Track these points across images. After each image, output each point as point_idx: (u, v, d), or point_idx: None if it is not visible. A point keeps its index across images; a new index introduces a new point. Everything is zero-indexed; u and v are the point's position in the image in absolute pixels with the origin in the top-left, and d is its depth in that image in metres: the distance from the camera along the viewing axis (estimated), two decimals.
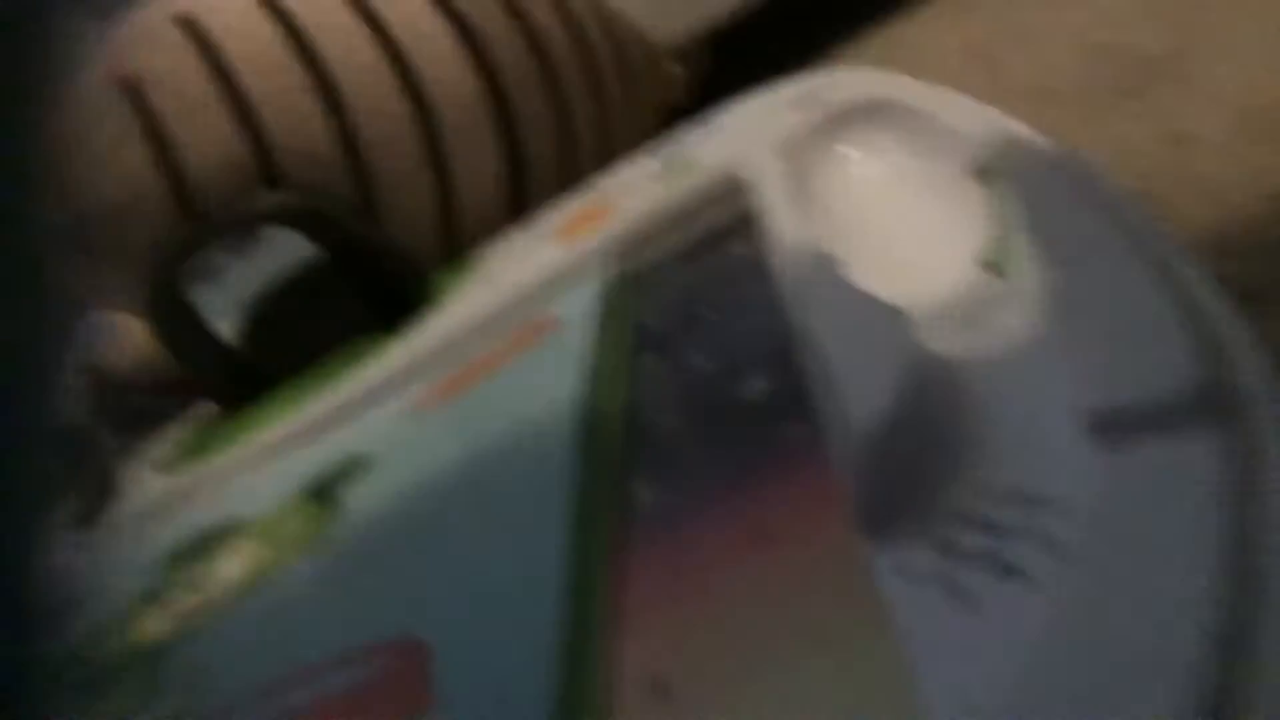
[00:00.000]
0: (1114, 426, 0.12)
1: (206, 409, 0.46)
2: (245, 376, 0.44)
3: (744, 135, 0.36)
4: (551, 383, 0.24)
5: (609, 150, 0.60)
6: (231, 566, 0.24)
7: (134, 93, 0.46)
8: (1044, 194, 0.19)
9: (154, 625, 0.24)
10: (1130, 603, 0.10)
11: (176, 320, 0.43)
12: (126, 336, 0.58)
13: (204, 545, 0.26)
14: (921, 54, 0.63)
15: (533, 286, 0.34)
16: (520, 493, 0.20)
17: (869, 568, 0.13)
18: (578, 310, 0.28)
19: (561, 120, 0.56)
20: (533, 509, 0.19)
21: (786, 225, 0.26)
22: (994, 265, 0.21)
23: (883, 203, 0.28)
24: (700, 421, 0.21)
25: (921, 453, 0.14)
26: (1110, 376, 0.13)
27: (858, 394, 0.16)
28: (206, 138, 0.46)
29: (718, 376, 0.22)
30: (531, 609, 0.16)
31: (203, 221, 0.46)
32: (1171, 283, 0.15)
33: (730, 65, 0.77)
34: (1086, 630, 0.10)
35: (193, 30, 0.47)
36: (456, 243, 0.52)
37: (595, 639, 0.15)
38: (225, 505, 0.29)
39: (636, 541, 0.17)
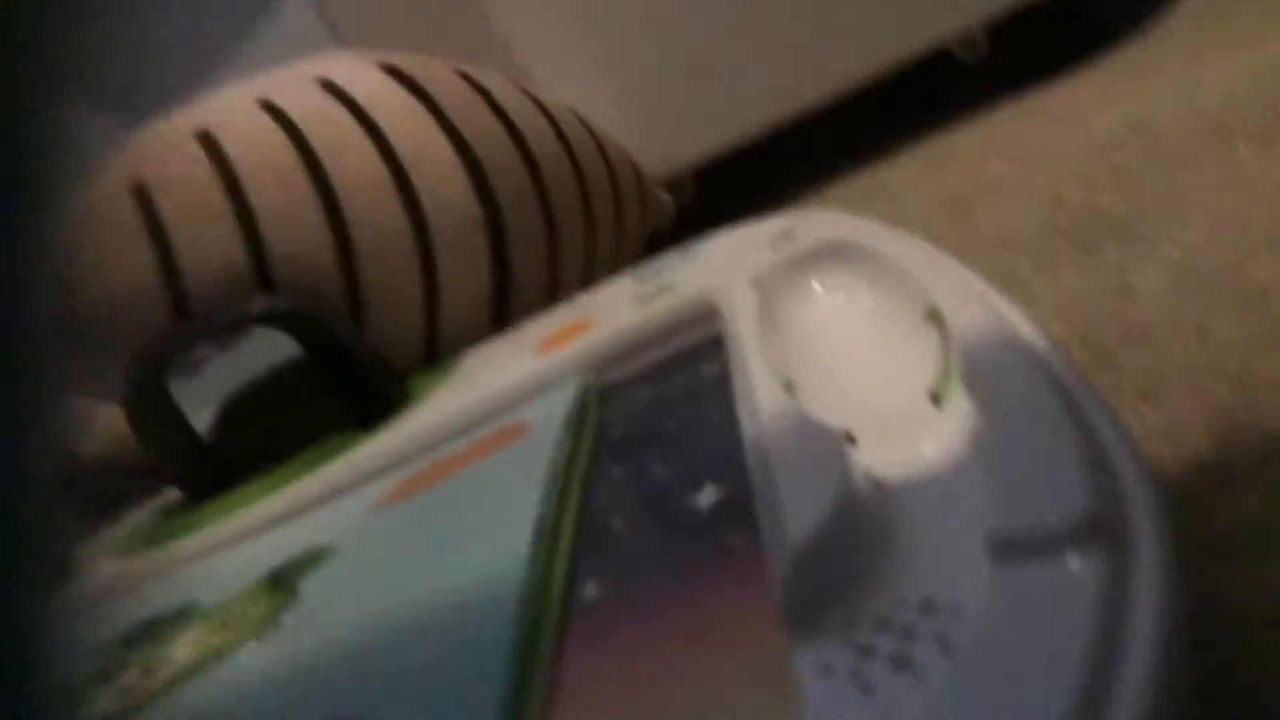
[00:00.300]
0: (1009, 547, 0.13)
1: (168, 497, 0.46)
2: (214, 468, 0.45)
3: (722, 265, 0.38)
4: (513, 484, 0.25)
5: (595, 268, 0.63)
6: (184, 649, 0.25)
7: (143, 197, 0.48)
8: (980, 338, 0.21)
9: (103, 704, 0.25)
10: (999, 697, 0.11)
11: (154, 411, 0.44)
12: (98, 423, 0.58)
13: (159, 628, 0.27)
14: (900, 199, 0.67)
15: (508, 392, 0.35)
16: (471, 586, 0.21)
17: (788, 664, 0.14)
18: (548, 417, 0.30)
19: (552, 241, 0.58)
20: (482, 602, 0.19)
21: (753, 351, 0.28)
22: (936, 398, 0.22)
23: (842, 335, 0.30)
24: (652, 526, 0.22)
25: (845, 565, 0.16)
26: (1012, 504, 0.14)
27: (796, 511, 0.17)
28: (207, 243, 0.48)
29: (673, 485, 0.23)
30: (470, 698, 0.16)
31: (193, 320, 0.47)
32: (1081, 425, 0.16)
33: (717, 196, 0.80)
34: (958, 717, 0.11)
35: (209, 143, 0.50)
36: (440, 348, 0.53)
37: None
38: (183, 590, 0.30)
39: (579, 635, 0.18)
